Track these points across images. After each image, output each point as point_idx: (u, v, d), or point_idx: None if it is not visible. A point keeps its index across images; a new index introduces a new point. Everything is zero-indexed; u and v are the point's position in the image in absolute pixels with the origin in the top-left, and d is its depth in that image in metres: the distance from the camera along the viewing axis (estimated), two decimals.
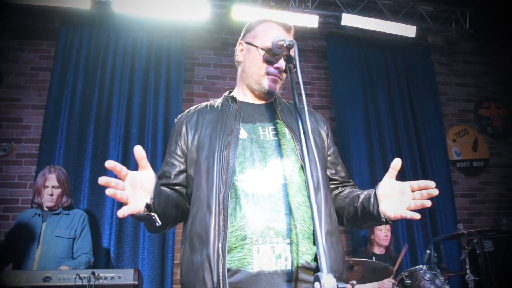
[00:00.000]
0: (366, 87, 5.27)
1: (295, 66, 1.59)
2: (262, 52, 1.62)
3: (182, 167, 1.60)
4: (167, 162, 1.63)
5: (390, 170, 1.46)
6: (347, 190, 1.69)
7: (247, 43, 1.70)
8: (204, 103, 1.75)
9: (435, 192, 1.38)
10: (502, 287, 4.28)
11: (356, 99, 5.18)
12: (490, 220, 5.30)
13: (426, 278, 3.25)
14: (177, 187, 1.59)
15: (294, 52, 1.54)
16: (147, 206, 1.25)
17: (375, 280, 3.51)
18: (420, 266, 3.37)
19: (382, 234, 4.05)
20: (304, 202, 1.46)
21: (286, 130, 1.59)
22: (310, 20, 4.97)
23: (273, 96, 1.71)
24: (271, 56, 1.61)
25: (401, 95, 5.34)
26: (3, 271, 2.88)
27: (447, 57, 5.94)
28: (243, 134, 1.56)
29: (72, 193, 4.24)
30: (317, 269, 1.37)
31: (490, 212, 5.41)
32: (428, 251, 3.50)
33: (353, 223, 1.65)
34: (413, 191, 1.42)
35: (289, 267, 1.35)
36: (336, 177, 1.71)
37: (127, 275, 2.83)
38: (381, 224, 1.49)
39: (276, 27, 1.70)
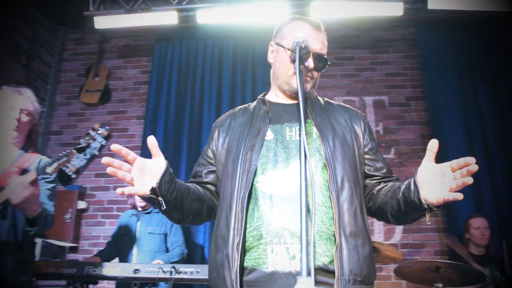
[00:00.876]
0: (462, 73, 4.81)
1: (305, 67, 1.59)
2: (289, 53, 1.60)
3: (212, 168, 1.67)
4: (199, 162, 1.74)
5: (427, 153, 1.37)
6: (390, 184, 1.60)
7: (277, 44, 1.70)
8: (239, 107, 1.80)
9: (475, 168, 1.27)
10: None
11: (452, 87, 4.76)
12: None
13: None
14: (207, 185, 1.68)
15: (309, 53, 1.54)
16: (153, 190, 1.35)
17: (466, 284, 3.21)
18: None
19: (479, 232, 3.69)
20: (324, 202, 1.43)
21: (314, 129, 1.57)
22: (395, 8, 4.70)
23: (306, 95, 1.67)
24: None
25: (507, 77, 4.72)
26: (108, 263, 3.29)
27: None
28: (269, 135, 1.57)
29: None
30: (334, 271, 1.34)
31: None
32: None
33: (398, 218, 1.56)
34: (453, 172, 1.31)
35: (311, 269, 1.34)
36: (376, 173, 1.64)
37: (205, 270, 3.02)
38: (424, 213, 1.39)
39: (304, 25, 1.67)
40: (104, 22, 4.93)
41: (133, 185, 1.35)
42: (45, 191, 2.44)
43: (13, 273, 2.24)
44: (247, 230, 1.42)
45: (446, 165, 1.32)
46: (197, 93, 5.03)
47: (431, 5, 4.55)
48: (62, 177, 5.50)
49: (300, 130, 1.57)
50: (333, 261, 1.36)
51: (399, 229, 4.52)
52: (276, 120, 1.62)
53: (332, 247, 1.38)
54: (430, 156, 1.37)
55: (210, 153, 1.70)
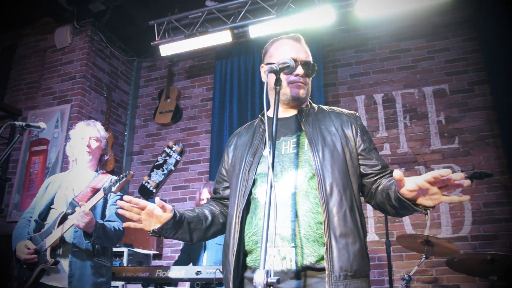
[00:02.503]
0: None
1: (304, 86, 1.82)
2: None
3: (227, 184, 1.94)
4: (216, 180, 2.02)
5: (397, 182, 1.44)
6: (383, 182, 1.69)
7: (267, 63, 1.89)
8: (246, 124, 2.04)
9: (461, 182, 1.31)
10: None
11: None
12: None
13: None
14: (225, 201, 1.94)
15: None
16: (153, 231, 1.68)
17: None
18: None
19: None
20: (312, 209, 1.59)
21: (306, 142, 1.72)
22: None
23: (302, 102, 1.85)
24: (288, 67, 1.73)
25: None
26: (171, 266, 3.67)
27: None
28: (267, 151, 1.73)
29: None
30: (321, 269, 1.52)
31: None
32: None
33: (402, 215, 1.69)
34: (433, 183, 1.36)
35: (294, 267, 1.52)
36: (371, 171, 1.75)
37: None
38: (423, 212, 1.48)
39: (286, 42, 1.87)
40: (168, 49, 5.43)
41: (140, 223, 1.69)
42: (114, 209, 2.87)
43: (91, 275, 2.69)
44: (247, 236, 1.65)
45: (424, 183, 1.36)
46: (257, 104, 5.32)
47: None
48: (144, 191, 6.09)
49: (297, 142, 1.76)
50: (319, 260, 1.53)
51: (468, 220, 4.36)
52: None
53: (319, 248, 1.54)
54: (402, 184, 1.42)
55: (223, 171, 1.96)
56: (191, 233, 1.79)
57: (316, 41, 5.21)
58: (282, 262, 1.55)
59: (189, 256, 4.14)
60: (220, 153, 5.22)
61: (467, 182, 1.32)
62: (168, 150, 5.57)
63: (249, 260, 1.64)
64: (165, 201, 5.47)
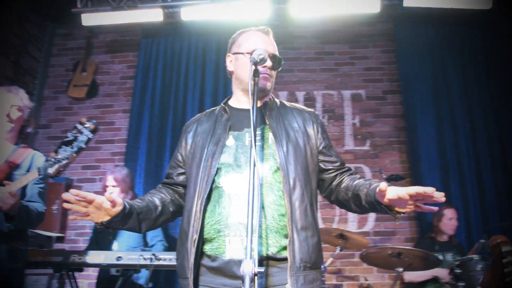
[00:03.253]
0: (436, 68, 5.02)
1: (270, 78, 1.82)
2: (249, 56, 1.77)
3: (181, 170, 1.88)
4: (170, 165, 1.95)
5: (379, 193, 1.54)
6: (345, 180, 1.79)
7: (234, 53, 1.89)
8: (205, 111, 1.99)
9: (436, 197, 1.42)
10: None
11: (426, 81, 4.97)
12: None
13: (478, 268, 3.13)
14: (178, 188, 1.89)
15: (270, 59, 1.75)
16: (101, 223, 1.65)
17: (424, 269, 3.45)
18: (473, 256, 3.24)
19: (451, 223, 3.92)
20: (275, 201, 1.64)
21: (270, 135, 1.76)
22: (372, 5, 4.87)
23: (266, 94, 1.87)
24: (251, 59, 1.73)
25: (478, 73, 4.95)
26: (92, 251, 3.48)
27: None
28: (230, 141, 1.76)
29: (154, 185, 4.82)
30: (282, 259, 1.58)
31: None
32: (481, 241, 3.33)
33: (364, 213, 1.80)
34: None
35: (256, 256, 1.50)
36: (331, 166, 1.83)
37: None
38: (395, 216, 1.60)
39: (255, 33, 1.90)
40: (91, 19, 5.08)
41: (87, 215, 1.64)
42: (36, 189, 2.61)
43: (7, 260, 2.42)
44: (209, 224, 1.63)
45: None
46: (181, 89, 5.20)
47: (406, 3, 4.73)
48: None
49: (261, 135, 1.78)
50: (280, 251, 1.59)
51: (371, 217, 4.75)
52: (236, 126, 1.80)
53: (280, 239, 1.60)
54: (385, 194, 1.52)
55: (179, 157, 1.90)
56: (140, 224, 1.76)
57: None
58: (245, 251, 1.56)
59: (98, 245, 3.91)
60: (139, 134, 5.03)
61: (443, 199, 1.43)
62: (79, 127, 5.09)
63: (209, 248, 1.63)
64: (72, 180, 5.13)
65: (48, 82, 5.66)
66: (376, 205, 1.60)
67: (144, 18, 5.04)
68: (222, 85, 5.17)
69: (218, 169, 1.69)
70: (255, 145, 1.71)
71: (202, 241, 1.64)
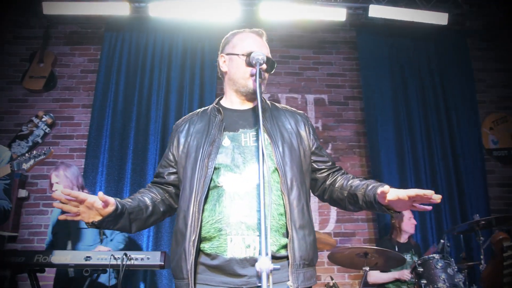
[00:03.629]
0: (396, 76, 5.30)
1: (262, 81, 1.82)
2: (244, 57, 1.81)
3: (173, 169, 1.88)
4: (161, 164, 1.94)
5: (380, 194, 1.66)
6: (339, 180, 1.87)
7: (228, 54, 1.89)
8: (197, 111, 1.98)
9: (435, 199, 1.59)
10: None
11: (386, 89, 5.23)
12: None
13: (438, 266, 3.34)
14: (169, 188, 1.89)
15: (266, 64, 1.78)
16: (92, 223, 1.63)
17: (389, 267, 3.64)
18: (433, 255, 3.45)
19: (411, 222, 4.14)
20: (274, 200, 1.68)
21: (266, 136, 1.78)
22: (338, 13, 5.05)
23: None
24: (252, 59, 1.78)
25: (433, 83, 5.29)
26: (54, 251, 3.31)
27: (486, 42, 5.76)
28: (226, 142, 1.77)
29: (116, 183, 4.71)
30: (281, 257, 1.63)
31: None
32: (442, 241, 3.56)
33: (358, 211, 1.89)
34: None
35: (257, 255, 1.57)
36: (323, 166, 1.90)
37: (155, 257, 3.17)
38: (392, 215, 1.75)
39: (250, 35, 1.91)
40: (52, 8, 4.87)
41: (78, 215, 1.60)
42: (2, 186, 2.47)
43: None
44: (208, 223, 1.64)
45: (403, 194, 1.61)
46: (145, 85, 5.09)
47: (371, 13, 4.96)
48: None
49: (256, 136, 1.80)
50: (279, 249, 1.63)
51: (333, 219, 4.92)
52: (231, 127, 1.82)
53: (280, 238, 1.65)
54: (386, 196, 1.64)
55: (170, 156, 1.89)
56: (131, 224, 1.75)
57: (215, 33, 5.20)
58: (246, 250, 1.59)
59: (54, 247, 3.74)
60: (101, 130, 4.87)
61: (439, 200, 1.58)
62: (36, 121, 4.95)
63: (208, 247, 1.64)
64: (26, 176, 4.87)
65: (0, 71, 5.33)
66: (375, 204, 1.70)
67: (110, 10, 4.92)
68: (188, 83, 5.13)
69: (216, 169, 1.70)
70: (252, 146, 1.76)
71: (199, 240, 1.65)
